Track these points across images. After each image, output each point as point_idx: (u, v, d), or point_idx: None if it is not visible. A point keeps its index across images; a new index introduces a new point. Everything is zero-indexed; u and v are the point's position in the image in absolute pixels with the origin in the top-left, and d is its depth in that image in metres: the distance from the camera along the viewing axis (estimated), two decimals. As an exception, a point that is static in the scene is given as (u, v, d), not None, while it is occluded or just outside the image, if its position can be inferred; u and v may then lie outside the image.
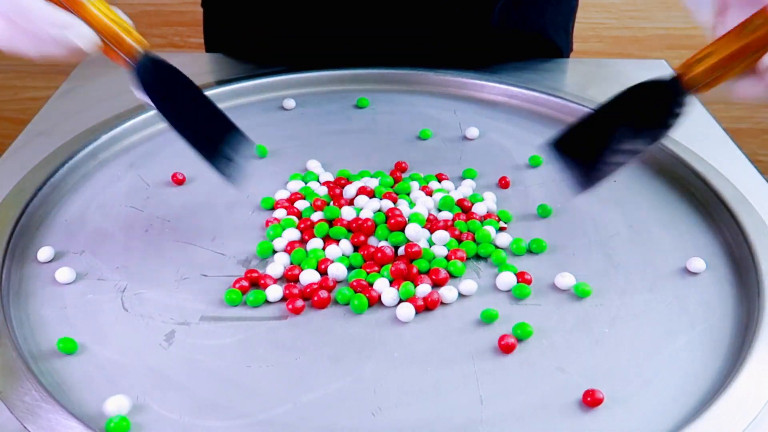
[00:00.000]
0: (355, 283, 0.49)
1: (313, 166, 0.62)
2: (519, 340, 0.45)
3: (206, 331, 0.46)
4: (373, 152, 0.65)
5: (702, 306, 0.48)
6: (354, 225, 0.53)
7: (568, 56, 0.84)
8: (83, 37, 0.44)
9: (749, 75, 0.43)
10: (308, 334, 0.46)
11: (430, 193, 0.58)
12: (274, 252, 0.52)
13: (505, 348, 0.44)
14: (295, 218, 0.55)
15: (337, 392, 0.42)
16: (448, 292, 0.48)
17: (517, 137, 0.67)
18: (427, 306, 0.48)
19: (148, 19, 1.36)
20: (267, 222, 0.55)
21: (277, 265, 0.50)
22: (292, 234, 0.53)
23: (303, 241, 0.53)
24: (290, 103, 0.71)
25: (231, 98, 0.71)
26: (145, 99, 0.47)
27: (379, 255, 0.50)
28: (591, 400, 0.41)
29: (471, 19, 0.75)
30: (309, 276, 0.49)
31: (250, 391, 0.42)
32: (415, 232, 0.51)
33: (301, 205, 0.57)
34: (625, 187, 0.60)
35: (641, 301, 0.49)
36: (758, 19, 0.41)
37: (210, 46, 0.85)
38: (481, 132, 0.67)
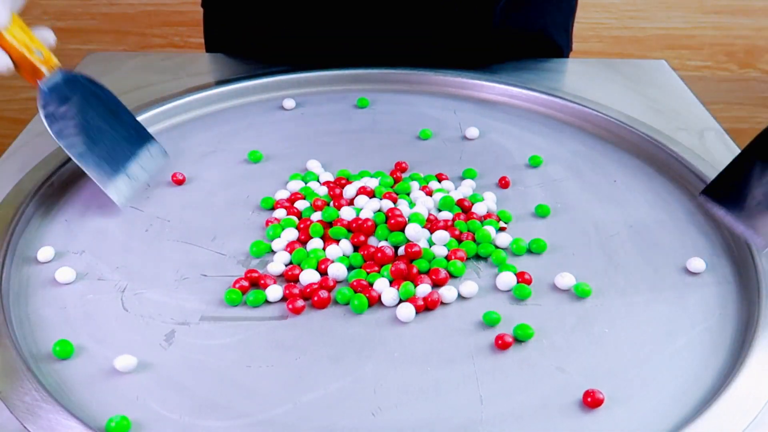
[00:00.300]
0: (355, 283, 0.49)
1: (313, 166, 0.62)
2: (519, 340, 0.45)
3: (206, 331, 0.46)
4: (373, 152, 0.65)
5: (702, 306, 0.48)
6: (354, 225, 0.53)
7: (567, 56, 0.84)
8: None
9: None
10: (308, 334, 0.46)
11: (430, 193, 0.58)
12: (273, 252, 0.52)
13: (502, 346, 0.44)
14: (295, 218, 0.55)
15: (337, 392, 0.42)
16: (448, 292, 0.48)
17: (517, 137, 0.67)
18: (427, 306, 0.48)
19: (148, 19, 1.35)
20: (267, 222, 0.55)
21: (277, 265, 0.50)
22: (292, 234, 0.53)
23: (302, 242, 0.53)
24: (290, 103, 0.71)
25: (231, 98, 0.70)
26: (44, 121, 0.53)
27: (379, 255, 0.50)
28: (591, 401, 0.41)
29: (471, 19, 0.75)
30: (309, 276, 0.49)
31: (250, 391, 0.42)
32: (415, 232, 0.51)
33: (301, 205, 0.57)
34: (625, 187, 0.60)
35: (641, 301, 0.49)
36: None
37: (210, 46, 0.85)
38: (481, 132, 0.67)
